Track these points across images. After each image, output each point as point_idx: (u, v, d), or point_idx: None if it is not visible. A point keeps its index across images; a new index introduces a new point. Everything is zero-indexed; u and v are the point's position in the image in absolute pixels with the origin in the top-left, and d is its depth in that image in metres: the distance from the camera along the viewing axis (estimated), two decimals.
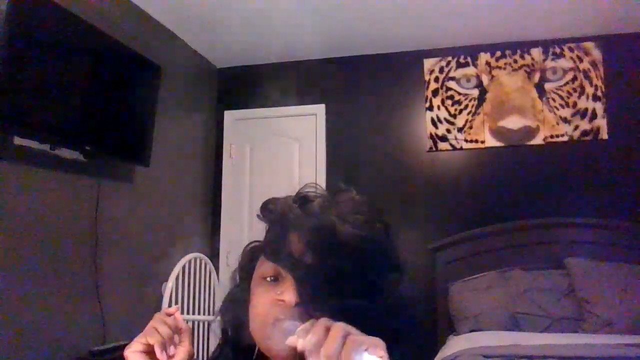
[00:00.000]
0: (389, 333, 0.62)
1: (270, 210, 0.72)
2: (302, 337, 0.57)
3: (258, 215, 0.73)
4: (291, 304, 0.64)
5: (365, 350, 0.53)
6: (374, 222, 0.69)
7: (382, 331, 0.60)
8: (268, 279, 0.68)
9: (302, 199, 0.71)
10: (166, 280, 2.84)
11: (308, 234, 0.66)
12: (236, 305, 0.74)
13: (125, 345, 0.69)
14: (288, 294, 0.64)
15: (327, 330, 0.55)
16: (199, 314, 3.05)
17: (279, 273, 0.67)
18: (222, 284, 3.36)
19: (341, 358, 0.52)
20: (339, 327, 0.55)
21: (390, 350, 0.55)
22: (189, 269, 3.00)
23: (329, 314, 0.58)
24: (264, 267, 0.69)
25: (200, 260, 3.12)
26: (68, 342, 2.28)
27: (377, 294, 0.66)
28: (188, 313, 2.94)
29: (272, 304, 0.66)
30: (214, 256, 3.55)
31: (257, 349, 0.70)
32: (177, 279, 2.86)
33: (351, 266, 0.64)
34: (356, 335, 0.54)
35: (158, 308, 2.85)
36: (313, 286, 0.63)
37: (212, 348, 3.04)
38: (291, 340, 0.58)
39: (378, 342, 0.54)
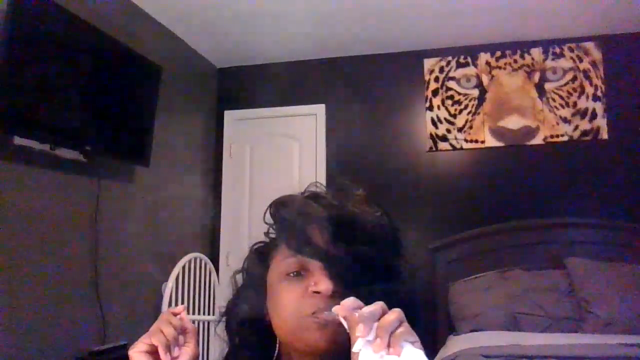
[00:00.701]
0: (413, 314, 0.62)
1: (286, 207, 0.73)
2: (348, 305, 0.56)
3: (271, 214, 0.74)
4: (328, 294, 0.64)
5: (412, 342, 0.53)
6: (384, 212, 0.72)
7: (408, 313, 0.60)
8: (292, 274, 0.69)
9: (313, 194, 0.73)
10: (166, 280, 2.84)
11: (331, 224, 0.67)
12: (249, 305, 0.75)
13: (125, 345, 0.69)
14: (323, 284, 0.65)
15: (383, 311, 0.55)
16: (199, 314, 3.05)
17: (303, 267, 0.68)
18: (222, 284, 3.35)
19: (391, 337, 0.53)
20: (399, 311, 0.55)
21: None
22: (189, 269, 2.99)
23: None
24: (285, 263, 0.70)
25: (200, 260, 3.12)
26: (68, 342, 2.27)
27: (399, 278, 0.69)
28: (188, 313, 2.94)
29: (306, 297, 0.66)
30: (214, 256, 3.55)
31: (277, 346, 0.70)
32: (177, 279, 2.86)
33: (374, 253, 0.66)
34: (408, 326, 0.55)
35: (158, 308, 2.85)
36: (346, 274, 0.64)
37: (212, 348, 3.04)
38: (337, 308, 0.57)
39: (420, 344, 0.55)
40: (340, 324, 0.58)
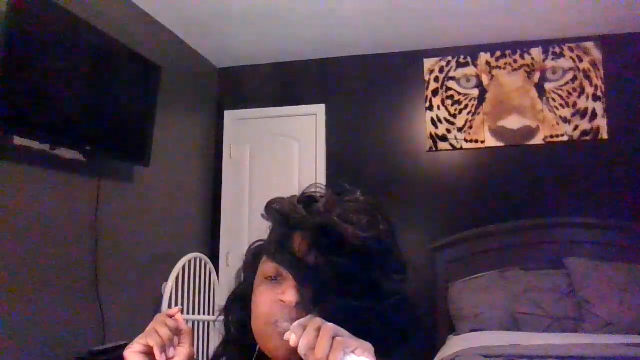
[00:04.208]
0: (391, 333, 0.62)
1: (274, 210, 0.72)
2: (296, 332, 0.57)
3: (262, 215, 0.74)
4: (291, 304, 0.64)
5: (352, 352, 0.53)
6: (377, 223, 0.68)
7: (385, 331, 0.60)
8: (270, 278, 0.69)
9: (306, 199, 0.72)
10: (166, 280, 2.84)
11: (310, 234, 0.66)
12: (240, 303, 0.75)
13: (125, 345, 0.69)
14: (289, 293, 0.65)
15: (319, 331, 0.55)
16: (199, 314, 3.05)
17: (280, 273, 0.68)
18: (222, 284, 3.35)
19: (329, 357, 0.53)
20: (328, 329, 0.55)
21: (393, 349, 0.55)
22: (189, 269, 2.99)
23: (329, 315, 0.58)
24: (267, 266, 0.70)
25: (200, 260, 3.12)
26: (68, 342, 2.27)
27: (379, 294, 0.66)
28: (188, 313, 2.94)
29: (273, 304, 0.66)
30: (214, 256, 3.55)
31: (258, 347, 0.70)
32: (177, 279, 2.86)
33: (353, 266, 0.64)
34: (344, 336, 0.55)
35: (158, 308, 2.85)
36: (314, 286, 0.63)
37: (212, 348, 3.04)
38: (287, 336, 0.58)
39: (367, 346, 0.55)
40: None
